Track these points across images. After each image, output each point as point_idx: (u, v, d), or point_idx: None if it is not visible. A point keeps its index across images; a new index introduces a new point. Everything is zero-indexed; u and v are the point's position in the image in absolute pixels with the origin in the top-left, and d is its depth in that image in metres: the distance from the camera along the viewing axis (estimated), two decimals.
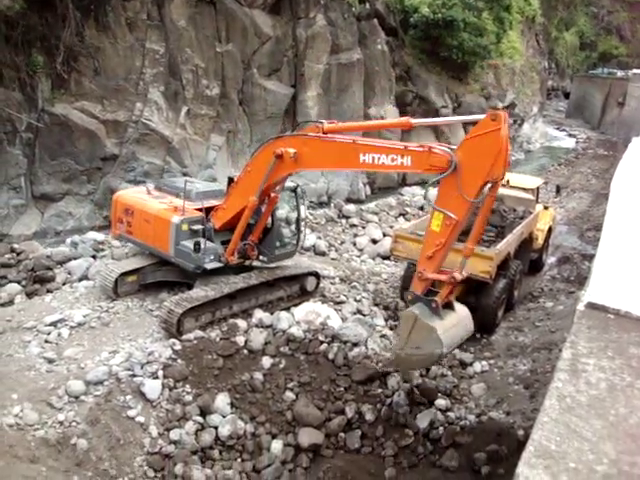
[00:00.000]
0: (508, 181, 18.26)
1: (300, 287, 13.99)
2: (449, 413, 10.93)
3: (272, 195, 12.52)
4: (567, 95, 71.40)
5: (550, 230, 19.09)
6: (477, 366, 12.77)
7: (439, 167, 9.23)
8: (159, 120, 21.36)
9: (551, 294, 17.06)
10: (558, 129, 55.06)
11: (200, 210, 12.70)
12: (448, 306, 9.84)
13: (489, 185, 9.01)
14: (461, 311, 10.23)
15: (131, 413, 10.17)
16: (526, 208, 16.57)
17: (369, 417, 11.01)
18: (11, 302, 13.77)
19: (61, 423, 9.64)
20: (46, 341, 11.51)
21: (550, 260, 19.85)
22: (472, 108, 34.94)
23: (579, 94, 63.89)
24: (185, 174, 20.87)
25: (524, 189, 17.74)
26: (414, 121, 10.42)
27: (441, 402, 11.10)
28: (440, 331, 9.31)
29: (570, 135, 52.29)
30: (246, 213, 12.24)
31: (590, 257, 17.23)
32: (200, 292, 12.25)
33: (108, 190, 20.00)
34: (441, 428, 10.69)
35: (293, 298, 13.81)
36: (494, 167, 8.75)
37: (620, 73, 61.19)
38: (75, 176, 20.09)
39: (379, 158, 9.94)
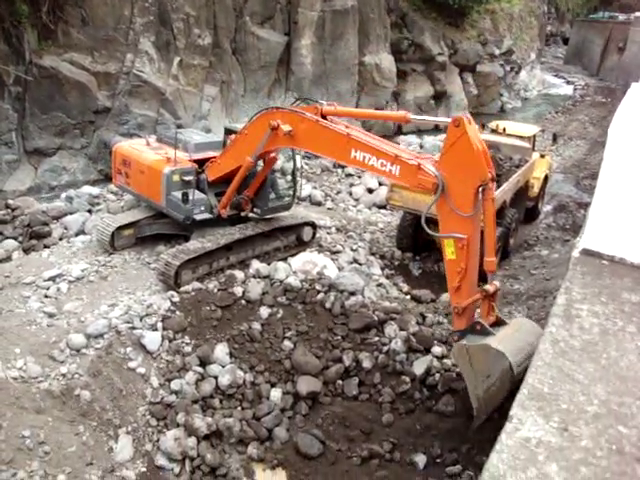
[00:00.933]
0: (504, 129, 18.17)
1: (297, 237, 14.02)
2: (445, 360, 11.11)
3: (271, 155, 12.43)
4: (566, 41, 70.06)
5: (546, 178, 19.05)
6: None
7: (425, 187, 9.05)
8: (151, 71, 21.00)
9: (546, 242, 17.16)
10: (556, 76, 54.26)
11: (194, 162, 12.60)
12: (498, 324, 9.21)
13: (482, 190, 8.60)
14: (516, 321, 9.62)
15: (132, 365, 10.34)
16: (522, 156, 16.48)
17: (366, 365, 11.19)
18: (9, 258, 13.81)
19: (64, 375, 9.80)
20: (45, 296, 11.58)
21: (546, 208, 19.89)
22: (468, 55, 34.44)
23: (578, 40, 62.66)
24: (179, 126, 20.65)
25: (520, 137, 17.62)
26: (411, 117, 10.17)
27: (437, 349, 11.27)
28: (495, 343, 8.41)
29: (568, 82, 51.56)
30: (242, 171, 12.17)
31: (586, 205, 17.25)
32: (197, 244, 12.29)
33: (102, 144, 19.84)
34: (437, 375, 10.88)
35: (290, 248, 13.86)
36: (477, 170, 8.47)
37: (622, 17, 59.75)
38: (67, 130, 19.87)
39: (369, 159, 9.75)
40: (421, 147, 23.85)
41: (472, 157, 8.47)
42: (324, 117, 10.67)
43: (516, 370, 8.17)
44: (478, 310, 9.31)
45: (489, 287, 8.96)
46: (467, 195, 8.62)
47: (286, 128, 10.82)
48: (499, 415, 8.65)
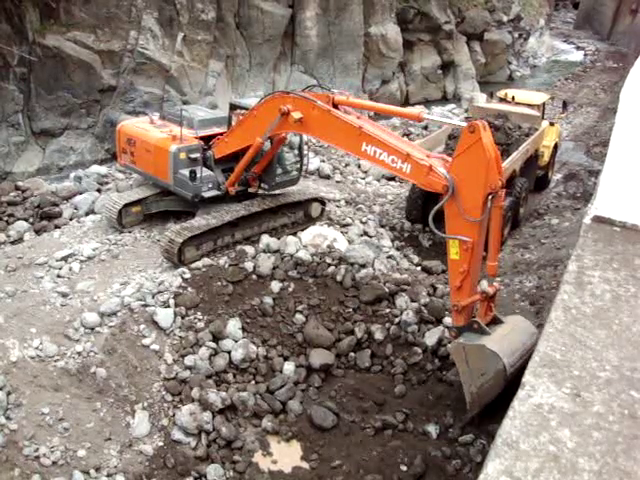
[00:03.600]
0: (513, 97, 17.94)
1: (304, 213, 13.99)
2: None
3: (280, 135, 12.35)
4: (576, 5, 68.57)
5: (556, 147, 18.85)
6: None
7: (435, 189, 9.02)
8: (155, 48, 20.84)
9: (557, 211, 17.04)
10: (566, 42, 53.32)
11: (200, 138, 12.55)
12: (495, 322, 9.40)
13: (491, 197, 8.56)
14: (512, 319, 9.75)
15: (146, 342, 10.45)
16: (532, 125, 16.29)
17: (378, 336, 11.25)
18: (20, 239, 13.90)
19: (79, 354, 9.93)
20: (58, 276, 11.68)
21: (556, 177, 19.71)
22: (476, 22, 33.90)
23: (589, 3, 61.28)
24: (185, 102, 20.57)
25: (529, 105, 17.39)
26: (425, 116, 10.09)
27: (448, 320, 11.27)
28: (490, 344, 8.76)
29: (578, 48, 50.69)
30: (251, 151, 12.07)
31: (596, 173, 17.08)
32: (201, 221, 12.30)
33: (108, 122, 19.80)
34: (449, 345, 10.93)
35: (298, 224, 13.83)
36: (488, 178, 8.40)
37: None
38: (74, 110, 19.84)
39: (381, 154, 9.65)
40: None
41: (485, 164, 8.41)
42: (335, 106, 10.54)
43: (509, 371, 8.57)
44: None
45: (489, 289, 9.16)
46: (476, 201, 8.59)
47: (297, 115, 10.67)
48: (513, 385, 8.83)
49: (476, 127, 8.42)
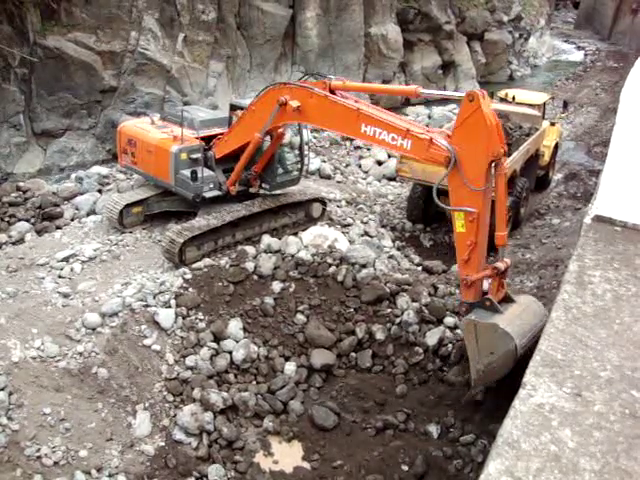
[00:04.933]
0: (514, 97, 17.94)
1: (305, 214, 13.99)
2: (458, 330, 11.14)
3: (279, 131, 12.37)
4: (577, 5, 68.48)
5: (557, 146, 18.84)
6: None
7: (437, 161, 9.01)
8: (156, 49, 20.85)
9: (557, 211, 17.04)
10: (566, 42, 53.20)
11: (200, 139, 12.57)
12: (506, 300, 9.28)
13: (494, 165, 8.63)
14: (523, 299, 9.65)
15: (147, 342, 10.45)
16: (532, 124, 16.29)
17: (379, 336, 11.26)
18: (22, 240, 13.90)
19: (81, 354, 9.94)
20: (60, 276, 11.69)
21: (557, 177, 19.70)
22: (476, 22, 33.86)
23: (589, 3, 61.12)
24: (186, 103, 20.57)
25: (530, 105, 17.38)
26: (422, 91, 10.04)
27: (449, 320, 11.30)
28: (503, 324, 8.60)
29: (579, 48, 50.57)
30: (250, 148, 12.11)
31: (597, 173, 17.07)
32: (202, 221, 12.31)
33: (109, 123, 19.80)
34: (450, 345, 10.94)
35: (299, 225, 13.83)
36: (490, 145, 8.42)
37: None
38: (75, 110, 19.84)
39: (380, 133, 9.68)
40: (429, 118, 23.61)
41: (486, 132, 8.41)
42: (332, 92, 10.56)
43: (519, 352, 8.40)
44: (488, 282, 9.29)
45: (500, 264, 8.96)
46: (479, 169, 8.59)
47: (295, 104, 10.73)
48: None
49: (475, 95, 8.40)
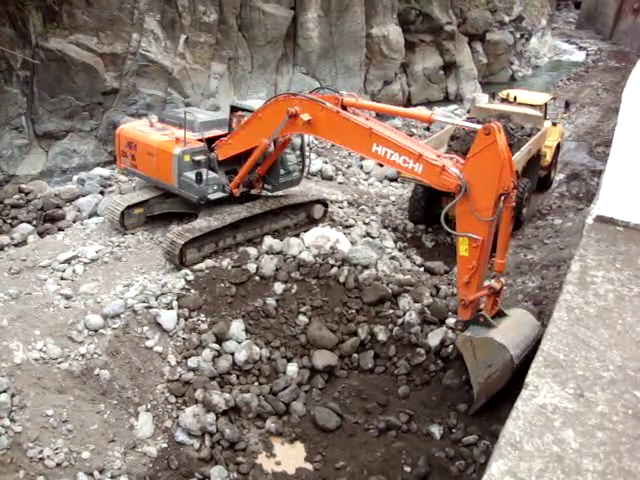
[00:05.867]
0: (515, 97, 17.92)
1: (307, 215, 13.99)
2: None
3: (286, 138, 12.35)
4: (578, 5, 68.43)
5: (558, 147, 18.81)
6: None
7: (448, 188, 9.15)
8: (157, 50, 20.88)
9: (559, 211, 17.01)
10: (568, 42, 53.18)
11: (201, 141, 12.58)
12: (500, 315, 9.69)
13: (503, 198, 8.85)
14: (516, 312, 10.08)
15: (149, 343, 10.46)
16: (534, 125, 16.26)
17: (381, 337, 11.25)
18: (24, 242, 13.91)
19: (83, 356, 9.95)
20: (62, 278, 11.70)
21: (559, 177, 19.67)
22: (477, 23, 33.87)
23: (591, 3, 61.11)
24: (187, 104, 20.59)
25: (532, 105, 17.37)
26: (437, 118, 10.14)
27: (451, 321, 11.27)
28: (498, 337, 9.07)
29: (580, 48, 50.54)
30: (257, 153, 12.05)
31: (599, 173, 17.05)
32: (203, 222, 12.31)
33: (111, 125, 19.83)
34: (452, 346, 10.93)
35: (300, 226, 13.83)
36: (501, 179, 8.62)
37: None
38: (76, 112, 19.87)
39: (392, 155, 9.71)
40: None
41: (499, 166, 8.59)
42: (344, 108, 10.54)
43: (516, 362, 8.86)
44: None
45: (496, 284, 9.33)
46: (489, 201, 8.78)
47: (305, 117, 10.66)
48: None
49: (492, 129, 8.56)
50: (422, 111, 11.84)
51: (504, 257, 9.39)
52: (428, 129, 22.04)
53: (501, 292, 9.60)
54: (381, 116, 19.64)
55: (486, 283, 9.53)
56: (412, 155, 9.50)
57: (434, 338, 11.04)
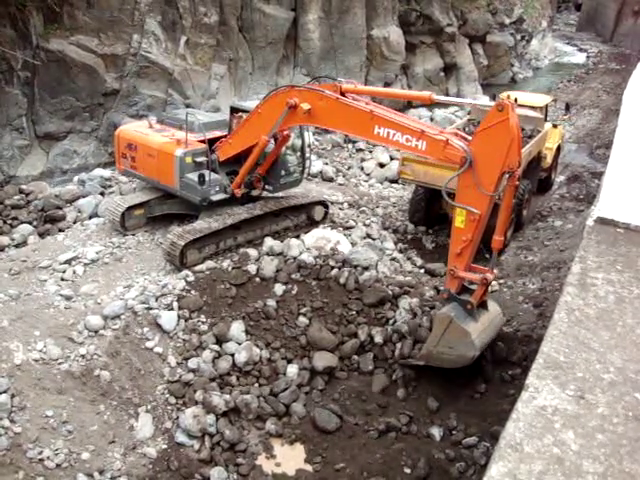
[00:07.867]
0: (516, 99, 17.89)
1: (307, 217, 13.99)
2: None
3: (284, 134, 12.37)
4: (579, 7, 68.43)
5: (559, 149, 18.82)
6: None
7: (452, 161, 9.20)
8: (158, 52, 20.87)
9: (560, 213, 17.02)
10: (568, 44, 53.19)
11: (203, 142, 12.59)
12: (482, 305, 9.97)
13: (507, 175, 8.95)
14: (493, 310, 10.33)
15: (149, 344, 10.46)
16: (534, 127, 16.28)
17: (378, 340, 11.23)
18: (25, 243, 13.93)
19: (83, 356, 9.94)
20: (62, 279, 11.70)
21: (559, 179, 19.69)
22: (478, 25, 33.86)
23: (591, 5, 61.09)
24: (188, 105, 20.59)
25: (532, 107, 17.36)
26: (436, 97, 10.14)
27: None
28: (474, 335, 9.42)
29: (581, 50, 50.55)
30: (256, 151, 12.09)
31: (600, 175, 17.04)
32: (203, 224, 12.31)
33: (112, 126, 19.80)
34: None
35: (301, 228, 13.83)
36: (508, 157, 8.69)
37: None
38: (77, 113, 19.87)
39: (394, 134, 9.77)
40: (432, 120, 23.62)
41: (508, 143, 8.65)
42: (343, 95, 10.58)
43: (472, 360, 9.56)
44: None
45: (490, 276, 9.55)
46: (492, 177, 8.85)
47: (305, 106, 10.72)
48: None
49: (505, 106, 8.62)
50: (421, 93, 11.91)
51: (502, 234, 9.52)
52: (432, 119, 22.07)
53: (490, 284, 9.92)
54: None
55: (480, 276, 9.66)
56: (415, 133, 9.55)
57: None
